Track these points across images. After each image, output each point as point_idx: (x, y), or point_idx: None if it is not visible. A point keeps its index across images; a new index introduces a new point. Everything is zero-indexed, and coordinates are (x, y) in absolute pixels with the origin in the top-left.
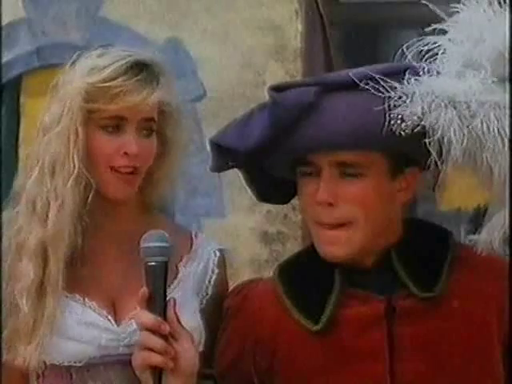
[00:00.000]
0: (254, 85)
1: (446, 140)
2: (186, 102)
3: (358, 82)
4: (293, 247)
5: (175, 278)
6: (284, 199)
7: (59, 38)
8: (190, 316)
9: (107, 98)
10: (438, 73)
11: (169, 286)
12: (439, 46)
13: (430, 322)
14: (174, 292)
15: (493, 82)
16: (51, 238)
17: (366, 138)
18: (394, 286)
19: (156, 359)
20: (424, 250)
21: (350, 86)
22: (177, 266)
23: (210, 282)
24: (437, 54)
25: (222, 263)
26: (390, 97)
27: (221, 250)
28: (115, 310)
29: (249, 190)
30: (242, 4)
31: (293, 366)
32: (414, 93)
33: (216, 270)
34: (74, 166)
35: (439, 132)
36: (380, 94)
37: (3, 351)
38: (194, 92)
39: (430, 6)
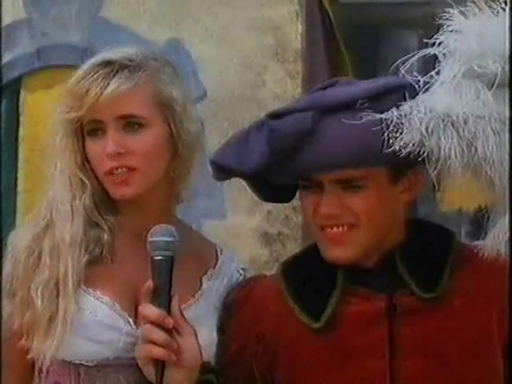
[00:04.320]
0: (255, 85)
1: (446, 159)
2: None
3: (354, 103)
4: (293, 248)
5: (199, 290)
6: (286, 198)
7: (59, 39)
8: (208, 331)
9: (77, 103)
10: (436, 84)
11: (191, 297)
12: (436, 57)
13: (431, 321)
14: (197, 304)
15: (492, 88)
16: (61, 243)
17: (368, 156)
18: (396, 285)
19: (159, 352)
20: (427, 250)
21: (346, 106)
22: (201, 279)
23: None
24: (435, 64)
25: None
26: (387, 116)
27: (244, 270)
28: (136, 311)
29: (249, 191)
30: (242, 5)
31: (294, 362)
32: (411, 113)
33: None
34: (69, 177)
35: (440, 155)
36: (378, 116)
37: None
38: (194, 93)
39: (429, 7)
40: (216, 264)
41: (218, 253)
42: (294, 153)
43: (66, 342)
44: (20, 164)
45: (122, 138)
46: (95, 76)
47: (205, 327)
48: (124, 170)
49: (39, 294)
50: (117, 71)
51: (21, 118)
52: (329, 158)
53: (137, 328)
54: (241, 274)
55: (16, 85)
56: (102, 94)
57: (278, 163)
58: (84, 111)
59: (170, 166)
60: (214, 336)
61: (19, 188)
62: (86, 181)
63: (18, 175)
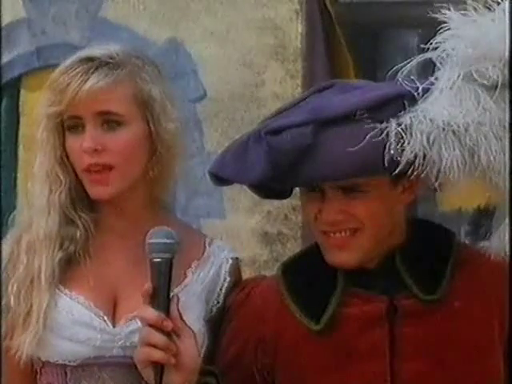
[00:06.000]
0: (254, 85)
1: (448, 170)
2: (186, 103)
3: (353, 114)
4: (293, 248)
5: (182, 282)
6: (285, 195)
7: (59, 39)
8: (191, 321)
9: (58, 98)
10: (435, 91)
11: (172, 290)
12: (433, 62)
13: (432, 323)
14: (180, 296)
15: (492, 92)
16: (37, 239)
17: (368, 167)
18: (397, 287)
19: (158, 355)
20: (427, 251)
21: (345, 117)
22: (185, 272)
23: (221, 289)
24: (433, 68)
25: (235, 271)
26: (387, 126)
27: (234, 258)
28: (115, 310)
29: (249, 191)
30: (242, 4)
31: (294, 364)
32: (412, 125)
33: (228, 278)
34: (46, 171)
35: (442, 166)
36: (377, 126)
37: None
38: (194, 92)
39: (429, 7)
40: (202, 255)
41: (206, 244)
42: (294, 167)
43: (48, 343)
44: (20, 164)
45: (100, 135)
46: (75, 72)
47: (187, 317)
48: (101, 167)
49: (15, 291)
50: (96, 68)
51: (21, 118)
52: (330, 170)
53: (114, 326)
54: (229, 263)
55: (16, 84)
56: (80, 89)
57: (279, 176)
58: (64, 106)
59: (148, 165)
60: (201, 326)
61: (19, 188)
62: (63, 176)
63: (18, 175)
